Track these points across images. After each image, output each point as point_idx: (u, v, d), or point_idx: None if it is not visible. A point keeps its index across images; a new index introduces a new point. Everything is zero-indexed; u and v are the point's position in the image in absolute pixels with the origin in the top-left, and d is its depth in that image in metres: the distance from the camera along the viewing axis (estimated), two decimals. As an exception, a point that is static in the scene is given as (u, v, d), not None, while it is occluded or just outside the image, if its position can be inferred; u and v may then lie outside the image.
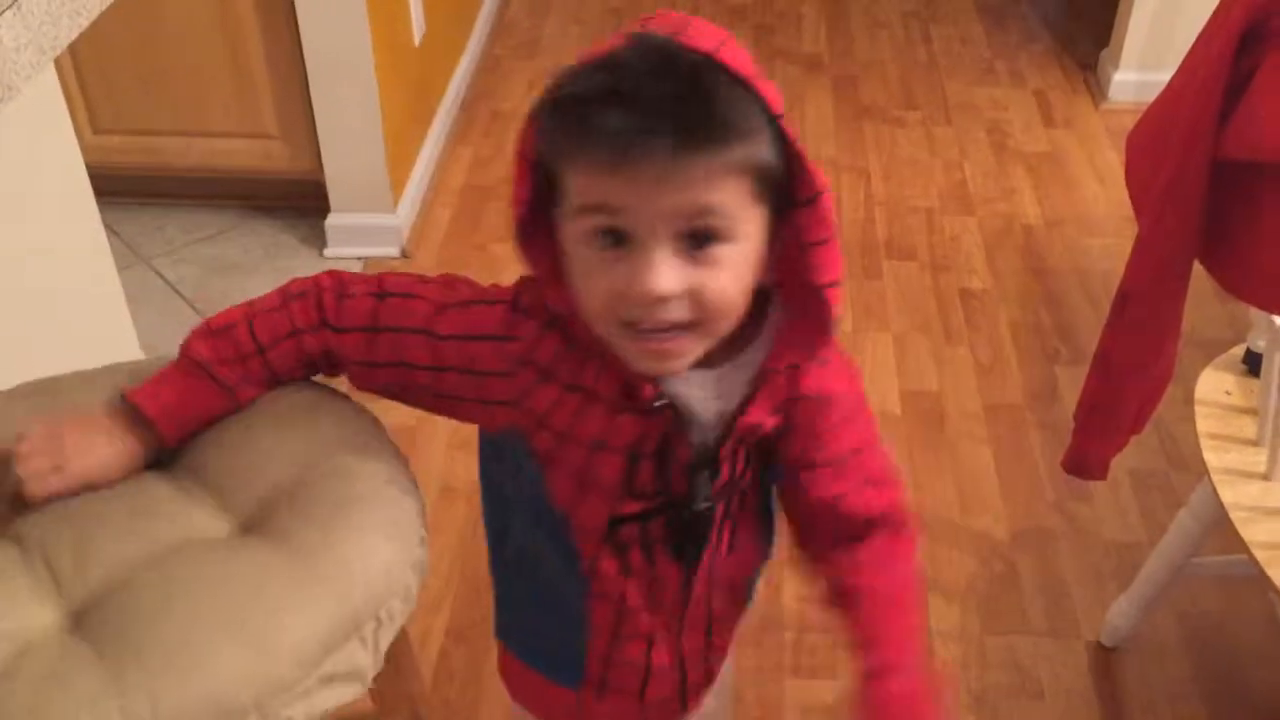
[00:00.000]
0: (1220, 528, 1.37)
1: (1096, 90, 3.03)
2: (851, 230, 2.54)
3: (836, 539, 0.90)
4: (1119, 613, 1.67)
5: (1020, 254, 2.49)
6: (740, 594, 0.99)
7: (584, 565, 0.89)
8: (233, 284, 2.36)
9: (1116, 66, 2.94)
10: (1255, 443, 1.39)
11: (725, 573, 0.93)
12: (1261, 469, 1.36)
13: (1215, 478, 1.36)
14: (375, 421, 0.94)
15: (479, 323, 0.84)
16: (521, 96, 3.03)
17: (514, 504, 0.94)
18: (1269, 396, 1.34)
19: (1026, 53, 3.24)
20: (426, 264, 2.44)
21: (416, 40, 2.58)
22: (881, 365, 2.19)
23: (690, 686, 0.99)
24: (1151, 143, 1.12)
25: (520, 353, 0.83)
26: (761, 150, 0.74)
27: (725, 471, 0.86)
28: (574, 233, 0.76)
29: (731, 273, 0.75)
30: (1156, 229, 1.11)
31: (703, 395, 0.83)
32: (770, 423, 0.85)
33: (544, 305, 0.82)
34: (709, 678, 1.02)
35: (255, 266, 2.41)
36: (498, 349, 0.83)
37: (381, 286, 0.87)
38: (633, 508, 0.86)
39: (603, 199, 0.73)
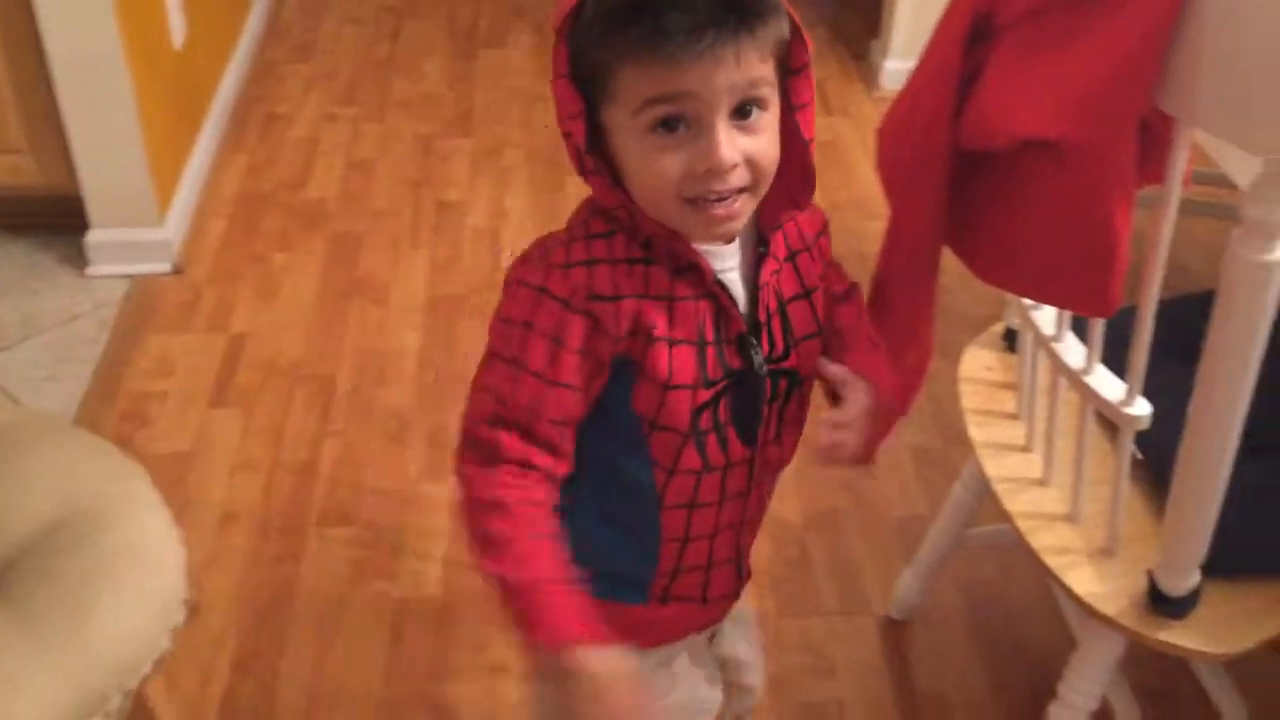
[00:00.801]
0: (991, 499, 1.43)
1: (870, 79, 3.13)
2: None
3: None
4: (905, 586, 1.72)
5: (803, 241, 2.54)
6: (774, 488, 1.08)
7: (659, 479, 0.97)
8: (-16, 309, 2.21)
9: (886, 55, 3.05)
10: (1015, 416, 1.46)
11: (773, 459, 1.03)
12: (1021, 441, 1.42)
13: (979, 452, 1.41)
14: (136, 467, 0.87)
15: (548, 321, 0.89)
16: (298, 100, 2.93)
17: (589, 442, 0.96)
18: (1024, 371, 1.40)
19: (803, 43, 3.32)
20: (201, 278, 2.33)
21: (177, 42, 2.46)
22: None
23: (744, 575, 1.10)
24: (898, 132, 1.16)
25: (586, 292, 0.89)
26: (785, 25, 0.85)
27: (765, 340, 0.96)
28: (636, 127, 0.84)
29: (770, 135, 0.87)
30: (904, 216, 1.15)
31: (734, 266, 0.94)
32: (789, 285, 0.98)
33: (575, 254, 0.89)
34: (750, 571, 1.12)
35: (8, 290, 2.25)
36: (568, 317, 0.89)
37: (499, 412, 0.90)
38: (706, 395, 0.94)
39: (670, 89, 0.81)
